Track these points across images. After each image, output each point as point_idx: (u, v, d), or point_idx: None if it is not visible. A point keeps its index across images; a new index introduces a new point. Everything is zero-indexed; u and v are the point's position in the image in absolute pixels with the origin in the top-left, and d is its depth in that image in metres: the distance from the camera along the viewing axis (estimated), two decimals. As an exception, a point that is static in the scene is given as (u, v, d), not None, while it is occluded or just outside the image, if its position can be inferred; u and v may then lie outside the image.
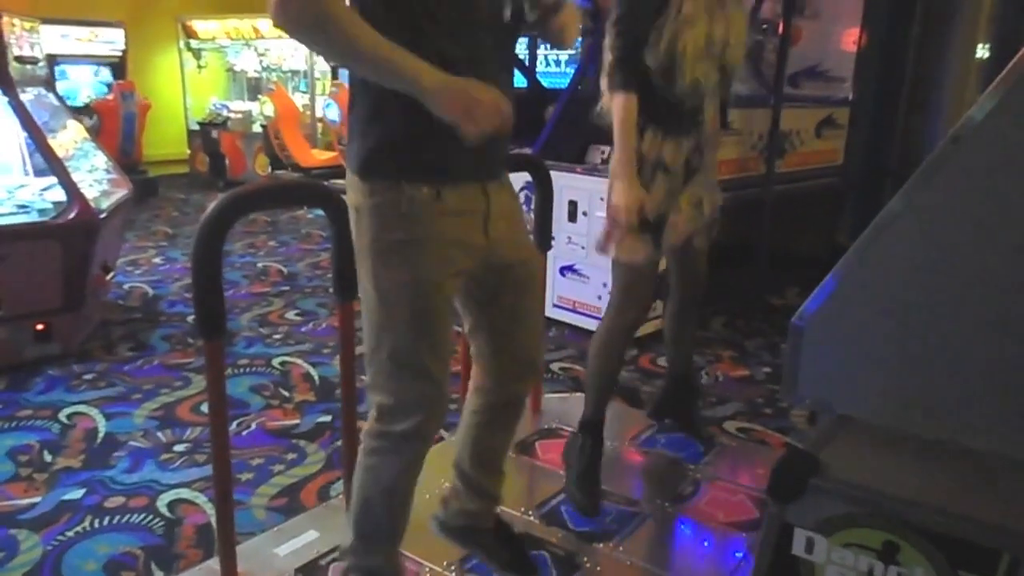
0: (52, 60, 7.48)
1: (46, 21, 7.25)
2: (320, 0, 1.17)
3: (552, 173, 2.48)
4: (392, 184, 1.33)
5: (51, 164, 3.45)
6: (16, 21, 3.65)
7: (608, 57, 1.87)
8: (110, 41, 8.33)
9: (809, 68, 5.13)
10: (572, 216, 3.59)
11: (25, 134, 3.65)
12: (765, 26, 4.80)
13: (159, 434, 2.77)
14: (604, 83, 1.90)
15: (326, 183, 1.58)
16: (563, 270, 3.71)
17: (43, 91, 4.11)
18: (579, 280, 3.69)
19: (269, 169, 7.69)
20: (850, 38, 5.03)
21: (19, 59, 3.64)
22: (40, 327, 3.31)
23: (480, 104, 1.24)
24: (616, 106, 1.85)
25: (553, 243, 2.63)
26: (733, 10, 1.93)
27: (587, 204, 3.51)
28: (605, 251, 1.96)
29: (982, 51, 4.58)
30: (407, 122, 1.29)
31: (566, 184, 3.48)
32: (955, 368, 1.16)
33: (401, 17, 1.26)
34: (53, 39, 7.32)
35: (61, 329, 3.36)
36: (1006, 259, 1.11)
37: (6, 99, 3.48)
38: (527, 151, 3.53)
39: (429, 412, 1.44)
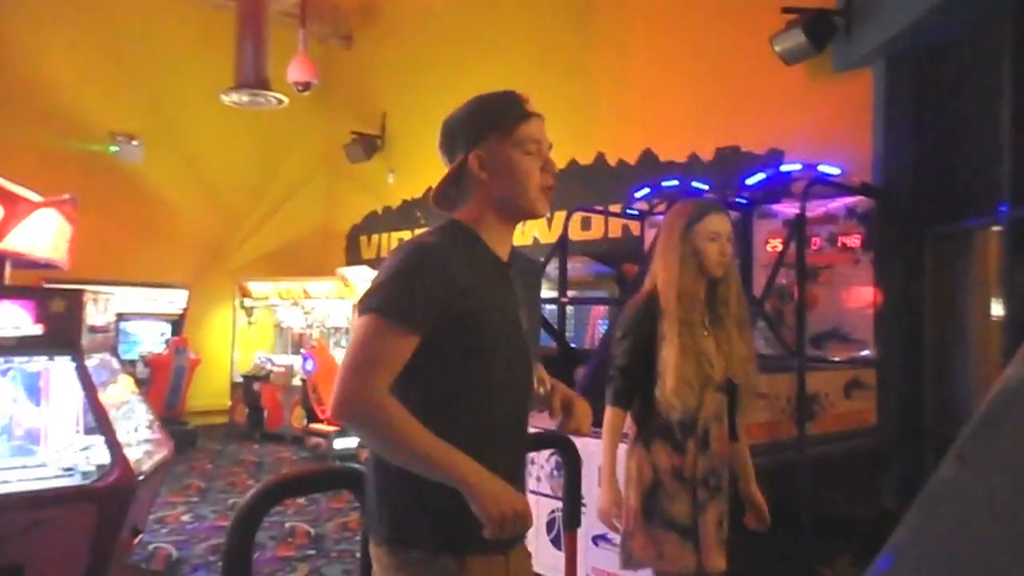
0: (119, 317, 8.08)
1: (120, 284, 8.00)
2: (372, 403, 1.27)
3: (582, 440, 2.50)
4: (424, 556, 1.36)
5: (101, 427, 3.61)
6: (94, 295, 4.05)
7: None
8: (173, 301, 9.05)
9: (830, 331, 5.31)
10: (604, 482, 3.54)
11: (84, 396, 3.87)
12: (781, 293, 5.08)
13: None
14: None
15: (353, 466, 1.66)
16: (596, 539, 3.58)
17: (107, 356, 4.42)
18: (614, 549, 3.54)
19: (305, 422, 7.85)
20: (865, 302, 5.25)
21: (92, 329, 3.97)
22: (59, 596, 3.23)
23: (514, 513, 1.28)
24: (605, 417, 1.97)
25: (584, 511, 2.59)
26: (732, 330, 2.06)
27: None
28: (634, 564, 1.96)
29: (996, 307, 4.71)
30: (438, 490, 1.31)
31: (597, 450, 3.48)
32: None
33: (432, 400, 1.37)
34: (122, 299, 7.98)
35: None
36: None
37: (74, 365, 3.75)
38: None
39: None
